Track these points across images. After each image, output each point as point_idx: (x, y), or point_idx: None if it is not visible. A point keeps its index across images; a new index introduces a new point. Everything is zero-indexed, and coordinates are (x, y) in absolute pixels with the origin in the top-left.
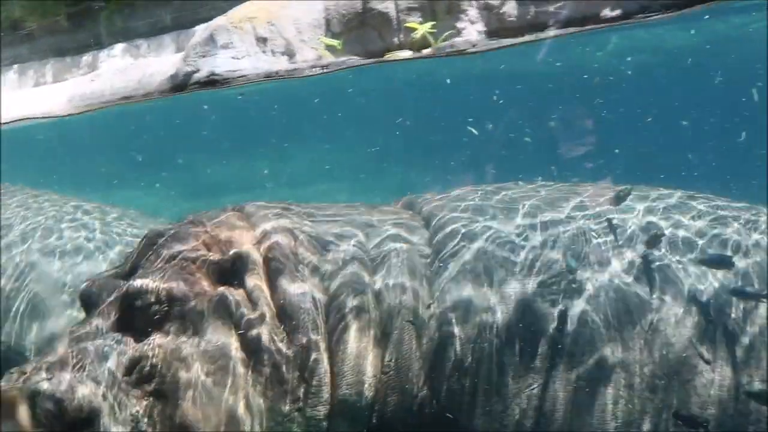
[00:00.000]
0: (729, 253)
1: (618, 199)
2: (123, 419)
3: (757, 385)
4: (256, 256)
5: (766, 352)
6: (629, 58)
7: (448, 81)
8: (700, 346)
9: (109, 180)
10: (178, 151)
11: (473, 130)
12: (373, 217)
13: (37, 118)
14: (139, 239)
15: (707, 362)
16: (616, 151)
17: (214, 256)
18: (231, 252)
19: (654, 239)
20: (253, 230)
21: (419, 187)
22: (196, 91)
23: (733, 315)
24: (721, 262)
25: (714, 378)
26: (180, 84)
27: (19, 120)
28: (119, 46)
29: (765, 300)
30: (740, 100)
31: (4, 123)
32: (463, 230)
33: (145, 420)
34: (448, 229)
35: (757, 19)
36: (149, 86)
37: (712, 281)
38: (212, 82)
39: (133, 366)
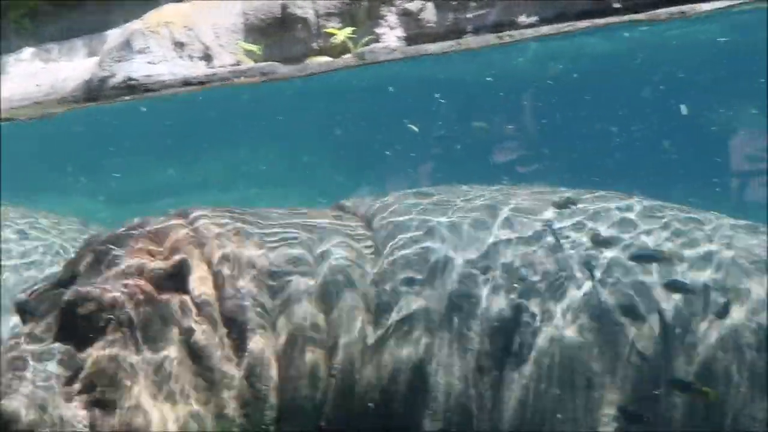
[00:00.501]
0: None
1: (559, 206)
2: (65, 429)
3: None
4: (201, 261)
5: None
6: (551, 64)
7: (391, 89)
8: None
9: (31, 186)
10: (102, 156)
11: (413, 127)
12: (317, 220)
13: None
14: (80, 246)
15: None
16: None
17: (158, 262)
18: (175, 257)
19: (565, 203)
20: (196, 235)
21: (346, 192)
22: (113, 100)
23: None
24: (652, 257)
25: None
26: (95, 89)
27: None
28: (28, 50)
29: (695, 292)
30: (661, 106)
31: None
32: (406, 231)
33: (88, 430)
34: (389, 231)
35: (675, 25)
36: (62, 91)
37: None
38: (129, 87)
39: (75, 375)
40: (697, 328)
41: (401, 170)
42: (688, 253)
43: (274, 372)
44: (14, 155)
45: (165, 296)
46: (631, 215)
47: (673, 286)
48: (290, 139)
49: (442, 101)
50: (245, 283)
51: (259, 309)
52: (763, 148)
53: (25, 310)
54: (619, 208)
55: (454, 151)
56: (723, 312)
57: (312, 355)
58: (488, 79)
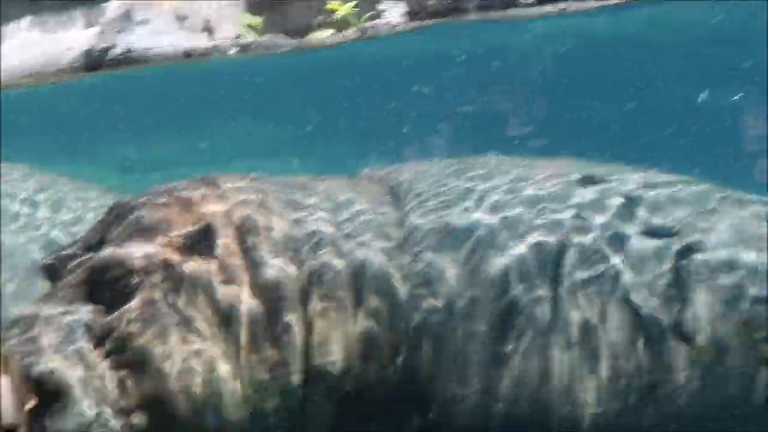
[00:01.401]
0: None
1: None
2: (95, 392)
3: None
4: (227, 226)
5: None
6: (554, 43)
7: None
8: None
9: (42, 155)
10: (111, 126)
11: (424, 90)
12: (341, 189)
13: None
14: (106, 210)
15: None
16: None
17: (184, 226)
18: (202, 223)
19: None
20: (223, 200)
21: (359, 164)
22: (113, 71)
23: None
24: (663, 233)
25: None
26: (95, 60)
27: None
28: (26, 20)
29: (675, 236)
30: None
31: None
32: (432, 197)
33: (117, 392)
34: (416, 198)
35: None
36: (62, 61)
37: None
38: (129, 59)
39: (103, 338)
40: None
41: (413, 142)
42: None
43: (300, 337)
44: (22, 122)
45: (192, 261)
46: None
47: (651, 232)
48: (301, 110)
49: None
50: (272, 251)
51: (284, 274)
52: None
53: (52, 274)
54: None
55: (463, 124)
56: None
57: (338, 322)
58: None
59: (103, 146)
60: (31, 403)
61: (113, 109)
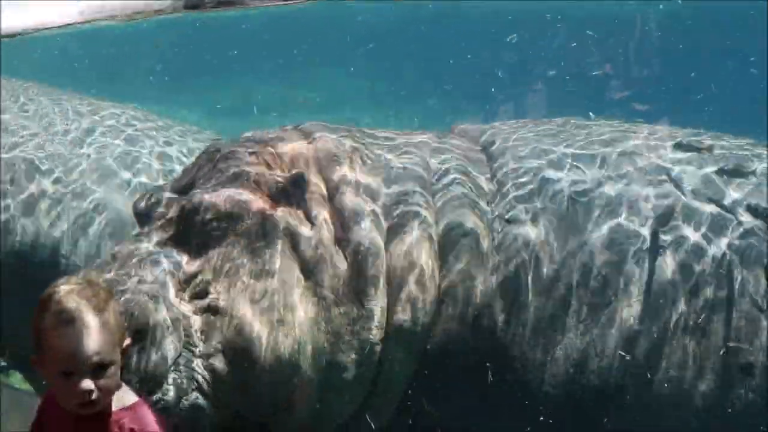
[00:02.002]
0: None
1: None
2: (177, 332)
3: None
4: (317, 177)
5: None
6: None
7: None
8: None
9: (140, 95)
10: (216, 67)
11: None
12: (433, 144)
13: (45, 29)
14: (198, 154)
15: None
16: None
17: (275, 174)
18: (292, 171)
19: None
20: (315, 151)
21: (452, 119)
22: (212, 11)
23: None
24: (697, 148)
25: None
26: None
27: (27, 31)
28: None
29: (708, 152)
30: None
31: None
32: (528, 160)
33: (199, 335)
34: (511, 159)
35: None
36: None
37: None
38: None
39: (189, 281)
40: None
41: (505, 101)
42: None
43: (383, 293)
44: (105, 62)
45: (281, 209)
46: None
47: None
48: (392, 63)
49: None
50: (362, 205)
51: (373, 233)
52: None
53: (142, 214)
54: None
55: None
56: None
57: (422, 278)
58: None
59: (196, 89)
60: (127, 341)
61: (206, 52)
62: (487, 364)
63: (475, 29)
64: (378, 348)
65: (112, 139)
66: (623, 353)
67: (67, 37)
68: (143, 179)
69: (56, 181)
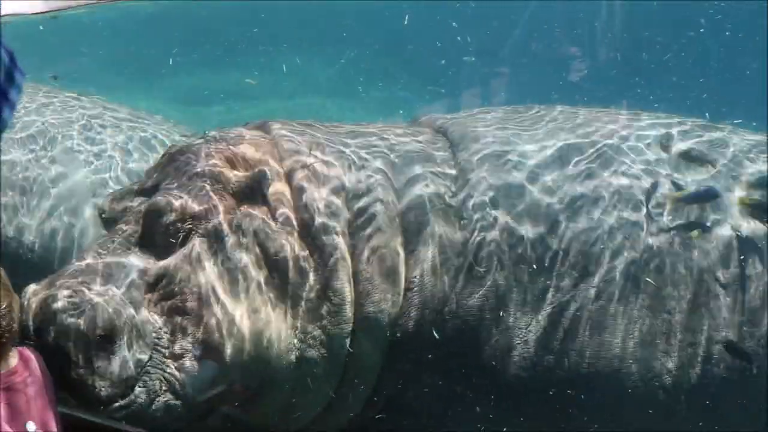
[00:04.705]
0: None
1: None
2: (145, 336)
3: None
4: (281, 174)
5: None
6: None
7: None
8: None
9: (104, 83)
10: (170, 55)
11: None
12: (395, 136)
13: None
14: (160, 155)
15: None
16: None
17: (238, 173)
18: (255, 170)
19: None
20: (276, 148)
21: (414, 109)
22: None
23: None
24: (706, 196)
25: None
26: None
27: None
28: None
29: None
30: None
31: None
32: (490, 146)
33: (167, 337)
34: (473, 147)
35: None
36: None
37: None
38: None
39: (155, 283)
40: None
41: (470, 87)
42: None
43: (350, 287)
44: (73, 54)
45: (245, 208)
46: None
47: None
48: (355, 49)
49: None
50: (325, 200)
51: (335, 223)
52: None
53: (108, 216)
54: None
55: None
56: None
57: (389, 270)
58: None
59: (163, 77)
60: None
61: (173, 40)
62: (454, 351)
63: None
64: (347, 342)
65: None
66: (588, 336)
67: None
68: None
69: None
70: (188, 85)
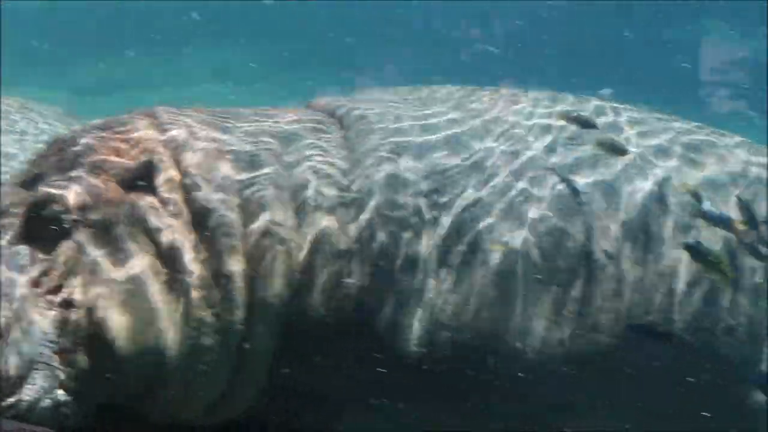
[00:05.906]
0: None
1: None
2: (33, 332)
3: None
4: (169, 162)
5: None
6: None
7: None
8: None
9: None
10: (70, 46)
11: None
12: (289, 122)
13: None
14: (43, 146)
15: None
16: None
17: (125, 162)
18: (142, 158)
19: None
20: (165, 134)
21: (316, 92)
22: None
23: None
24: (720, 220)
25: None
26: None
27: None
28: None
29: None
30: None
31: None
32: (380, 124)
33: (57, 332)
34: (364, 125)
35: None
36: None
37: None
38: None
39: (42, 277)
40: None
41: (372, 70)
42: None
43: (243, 273)
44: None
45: (132, 196)
46: None
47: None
48: (265, 36)
49: None
50: (215, 187)
51: (226, 208)
52: None
53: None
54: None
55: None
56: None
57: (281, 253)
58: None
59: (58, 66)
60: None
61: (70, 30)
62: (352, 332)
63: None
64: (241, 327)
65: None
66: (485, 315)
67: None
68: None
69: None
70: (86, 75)
